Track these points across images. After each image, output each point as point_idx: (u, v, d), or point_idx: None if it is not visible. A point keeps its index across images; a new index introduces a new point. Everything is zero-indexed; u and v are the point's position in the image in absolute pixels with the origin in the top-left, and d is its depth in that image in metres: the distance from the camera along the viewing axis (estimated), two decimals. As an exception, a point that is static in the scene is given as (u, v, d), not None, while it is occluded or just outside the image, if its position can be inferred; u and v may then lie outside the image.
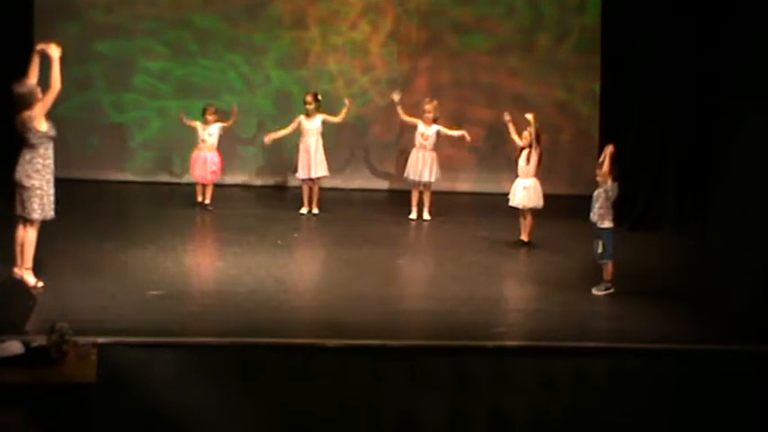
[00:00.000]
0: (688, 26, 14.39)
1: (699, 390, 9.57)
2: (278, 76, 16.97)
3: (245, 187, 16.07)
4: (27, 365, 8.15)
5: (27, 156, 10.58)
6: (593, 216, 11.59)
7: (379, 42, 17.04)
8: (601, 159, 11.74)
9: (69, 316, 9.11)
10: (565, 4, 17.13)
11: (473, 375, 9.42)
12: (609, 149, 11.66)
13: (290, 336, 9.77)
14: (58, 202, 10.81)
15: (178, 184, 16.21)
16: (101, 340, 8.82)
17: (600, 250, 11.49)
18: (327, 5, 16.91)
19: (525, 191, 13.52)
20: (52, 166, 10.74)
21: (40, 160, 10.58)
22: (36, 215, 10.61)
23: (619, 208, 14.63)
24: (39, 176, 10.57)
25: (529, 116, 13.54)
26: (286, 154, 16.12)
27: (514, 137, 13.77)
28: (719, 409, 9.59)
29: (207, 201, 14.91)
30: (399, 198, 15.23)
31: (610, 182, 11.55)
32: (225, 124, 15.02)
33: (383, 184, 16.94)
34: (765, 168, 13.02)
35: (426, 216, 14.88)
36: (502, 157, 17.13)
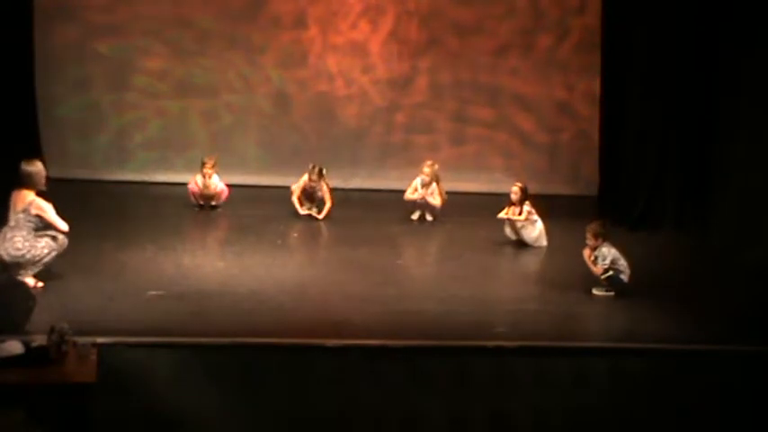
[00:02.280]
0: (688, 26, 14.40)
1: (699, 390, 9.58)
2: (278, 75, 16.98)
3: (244, 187, 16.06)
4: (27, 365, 8.16)
5: (8, 234, 10.67)
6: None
7: (379, 42, 17.06)
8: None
9: (69, 316, 9.10)
10: (565, 4, 17.16)
11: (473, 375, 9.43)
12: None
13: (290, 336, 9.77)
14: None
15: (178, 183, 16.21)
16: (101, 340, 8.83)
17: (604, 278, 11.50)
18: (327, 5, 16.92)
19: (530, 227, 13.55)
20: (31, 244, 10.74)
21: (20, 239, 10.64)
22: (31, 271, 10.70)
23: (619, 208, 14.73)
24: (18, 255, 10.62)
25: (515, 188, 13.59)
26: (285, 155, 16.12)
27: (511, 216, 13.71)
28: (719, 409, 9.60)
29: (214, 203, 14.90)
30: (399, 198, 15.23)
31: (602, 249, 11.54)
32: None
33: (383, 184, 16.94)
34: (765, 168, 13.04)
35: (429, 217, 14.84)
36: (500, 157, 17.18)
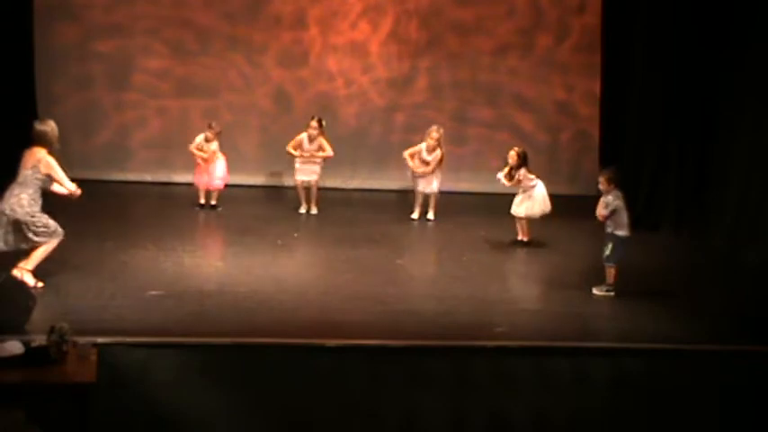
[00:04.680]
0: (688, 26, 14.39)
1: (699, 390, 9.56)
2: (278, 75, 16.97)
3: (245, 187, 16.06)
4: (27, 365, 8.15)
5: (15, 190, 10.61)
6: (608, 227, 11.56)
7: (379, 42, 17.05)
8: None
9: (69, 316, 9.11)
10: (565, 3, 17.14)
11: (473, 376, 9.41)
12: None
13: (290, 336, 9.76)
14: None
15: (178, 183, 16.22)
16: (101, 340, 8.82)
17: (608, 252, 11.51)
18: (327, 5, 16.91)
19: (528, 201, 13.53)
20: (39, 205, 10.73)
21: (25, 197, 10.59)
22: (24, 243, 10.65)
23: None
24: (22, 212, 10.56)
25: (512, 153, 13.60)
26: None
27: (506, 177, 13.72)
28: (720, 409, 9.58)
29: (213, 201, 14.90)
30: (399, 198, 15.22)
31: (611, 193, 11.53)
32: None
33: (383, 184, 16.94)
34: (765, 168, 13.03)
35: (431, 216, 14.85)
36: (500, 157, 17.16)
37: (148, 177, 16.69)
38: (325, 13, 16.94)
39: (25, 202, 10.55)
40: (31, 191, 10.60)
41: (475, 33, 17.12)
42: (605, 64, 15.83)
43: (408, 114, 17.05)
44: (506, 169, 13.64)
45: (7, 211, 10.53)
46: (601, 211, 11.57)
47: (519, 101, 17.19)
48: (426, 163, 14.69)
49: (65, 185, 10.76)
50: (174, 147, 16.66)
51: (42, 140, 10.71)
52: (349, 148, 16.85)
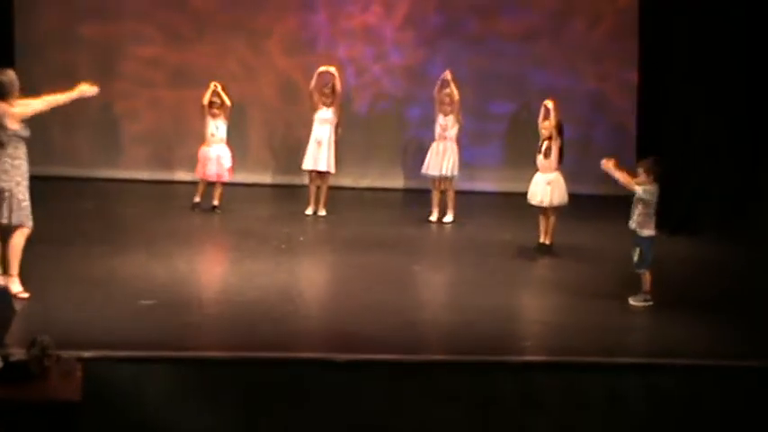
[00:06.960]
0: (735, 6, 14.35)
1: (743, 410, 9.56)
2: (283, 63, 17.01)
3: (246, 186, 16.10)
4: (5, 382, 8.17)
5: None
6: (632, 223, 11.56)
7: (394, 27, 17.08)
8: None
9: (52, 327, 9.12)
10: (598, -16, 17.18)
11: (497, 393, 9.43)
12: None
13: (296, 350, 9.79)
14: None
15: (174, 182, 16.26)
16: (87, 354, 8.84)
17: (637, 259, 11.49)
18: (337, -15, 16.98)
19: (548, 186, 13.51)
20: (25, 167, 10.64)
21: (8, 160, 10.51)
22: (3, 220, 10.56)
23: (658, 210, 14.66)
24: (7, 178, 10.51)
25: (549, 103, 13.55)
26: (292, 151, 16.16)
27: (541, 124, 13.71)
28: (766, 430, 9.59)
29: (216, 201, 14.90)
30: (415, 198, 15.24)
31: (649, 185, 11.47)
32: (225, 111, 14.96)
33: (397, 183, 16.97)
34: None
35: (449, 218, 14.87)
36: (527, 155, 17.15)
37: (140, 175, 16.73)
38: (335, -6, 17.02)
39: (8, 166, 10.48)
40: (10, 150, 10.49)
41: (498, 17, 17.14)
42: (643, 51, 15.79)
43: (425, 106, 17.04)
44: (542, 144, 13.63)
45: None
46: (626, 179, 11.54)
47: (547, 92, 17.15)
48: (446, 128, 14.97)
49: (59, 100, 10.77)
50: (169, 141, 16.72)
51: (2, 93, 10.58)
52: (360, 142, 16.88)
